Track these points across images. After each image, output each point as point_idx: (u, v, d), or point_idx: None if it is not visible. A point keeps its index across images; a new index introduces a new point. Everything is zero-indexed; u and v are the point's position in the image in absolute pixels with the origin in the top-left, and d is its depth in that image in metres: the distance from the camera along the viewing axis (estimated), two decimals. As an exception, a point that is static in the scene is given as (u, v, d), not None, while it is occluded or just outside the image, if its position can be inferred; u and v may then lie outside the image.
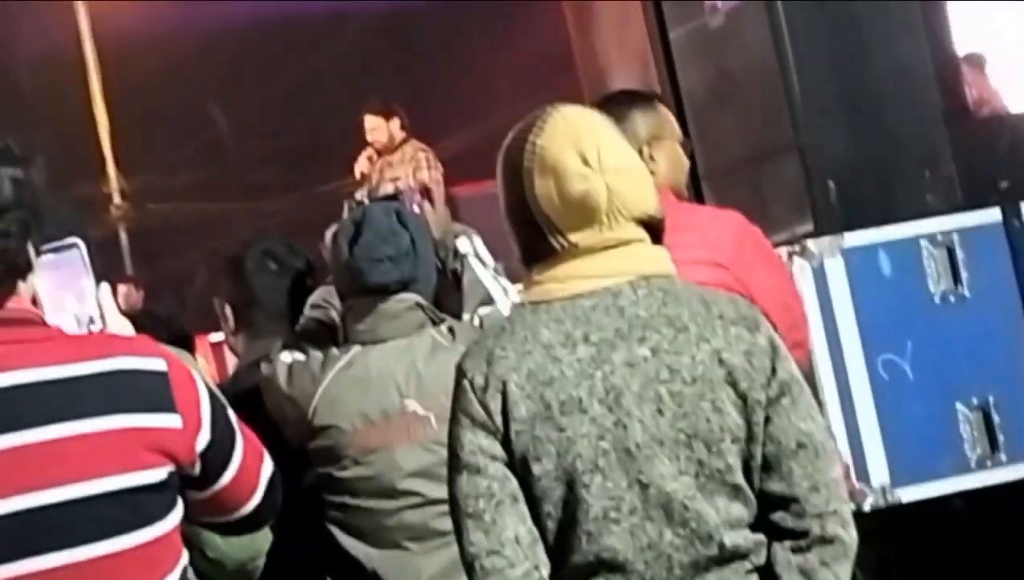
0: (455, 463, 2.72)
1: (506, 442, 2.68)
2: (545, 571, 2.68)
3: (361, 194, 8.86)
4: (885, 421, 5.40)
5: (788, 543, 2.71)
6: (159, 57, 12.69)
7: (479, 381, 2.69)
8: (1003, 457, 5.48)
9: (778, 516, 2.71)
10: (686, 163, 4.29)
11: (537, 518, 2.69)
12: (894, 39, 6.18)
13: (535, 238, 2.75)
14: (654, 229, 2.79)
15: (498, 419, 2.67)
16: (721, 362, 2.67)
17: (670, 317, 2.69)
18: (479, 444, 2.68)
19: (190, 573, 2.59)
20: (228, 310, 4.39)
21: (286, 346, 4.00)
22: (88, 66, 13.27)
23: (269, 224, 11.89)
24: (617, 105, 4.26)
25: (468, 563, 2.68)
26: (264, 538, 3.55)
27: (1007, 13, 10.79)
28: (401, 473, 3.84)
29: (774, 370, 2.70)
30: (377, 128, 10.58)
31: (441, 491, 3.67)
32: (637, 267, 2.74)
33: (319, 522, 3.94)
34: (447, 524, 3.62)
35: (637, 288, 2.72)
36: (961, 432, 5.47)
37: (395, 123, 10.57)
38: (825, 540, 2.70)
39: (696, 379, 2.67)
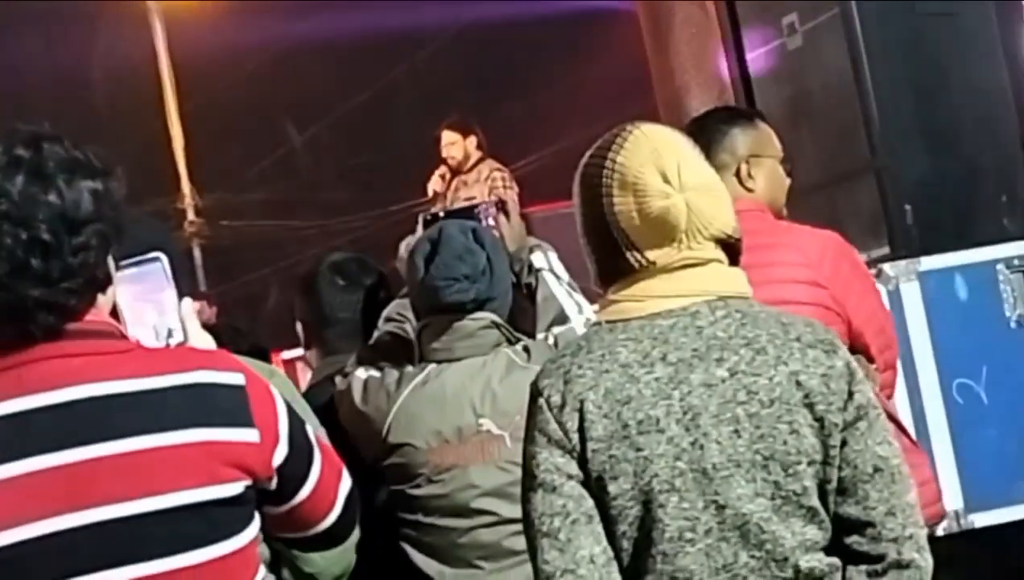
0: (530, 482, 2.71)
1: (582, 461, 2.67)
2: None
3: (437, 208, 8.86)
4: (959, 446, 5.37)
5: (864, 567, 2.69)
6: (234, 74, 12.79)
7: (556, 399, 2.69)
8: (1078, 483, 5.43)
9: (853, 540, 2.70)
10: (786, 182, 4.27)
11: (612, 538, 2.68)
12: (971, 62, 6.15)
13: (612, 255, 2.75)
14: (731, 249, 2.79)
15: (574, 438, 2.67)
16: (799, 384, 2.66)
17: (748, 338, 2.69)
18: (555, 463, 2.68)
19: None
20: (300, 327, 4.42)
21: (361, 361, 4.01)
22: (164, 82, 13.38)
23: (341, 242, 11.97)
24: (717, 121, 4.27)
25: None
26: (352, 552, 3.57)
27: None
28: (475, 492, 3.83)
29: (851, 394, 2.69)
30: (454, 144, 10.49)
31: (515, 511, 3.67)
32: (715, 287, 2.74)
33: (392, 540, 3.94)
34: (520, 543, 3.63)
35: (715, 309, 2.71)
36: (1036, 458, 5.43)
37: (472, 141, 10.50)
38: (901, 565, 2.68)
39: (773, 401, 2.65)
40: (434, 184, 10.66)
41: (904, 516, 2.69)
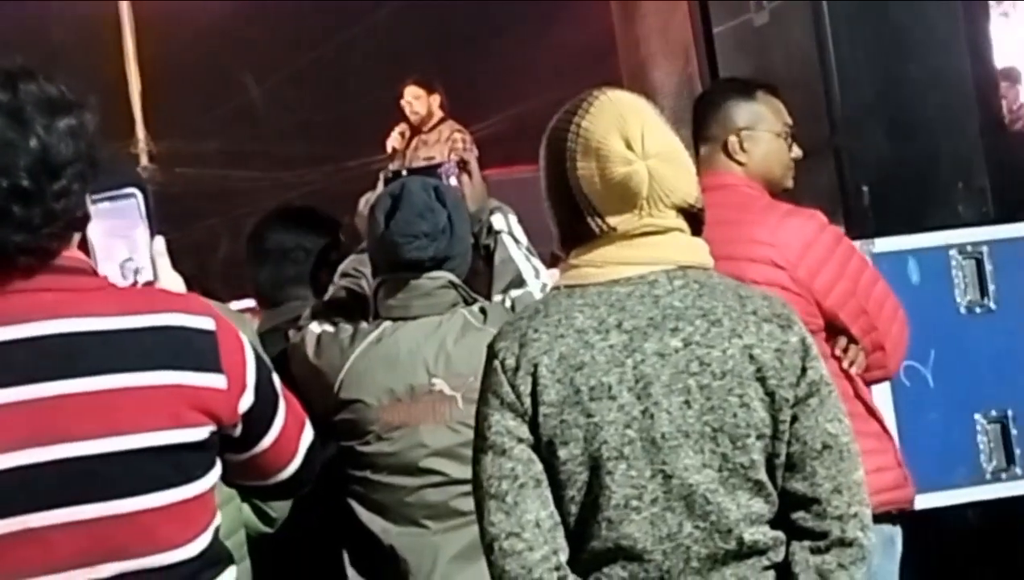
0: (481, 443, 2.72)
1: (533, 425, 2.68)
2: (563, 556, 2.68)
3: (397, 165, 8.81)
4: (903, 428, 5.37)
5: (807, 543, 2.71)
6: (194, 21, 12.69)
7: (510, 362, 2.70)
8: (1018, 470, 5.46)
9: (799, 515, 2.72)
10: (786, 157, 4.27)
11: (559, 502, 2.69)
12: (935, 48, 6.17)
13: (574, 220, 2.75)
14: (694, 218, 2.79)
15: (527, 401, 2.68)
16: (752, 358, 2.68)
17: (704, 309, 2.70)
18: (506, 425, 2.69)
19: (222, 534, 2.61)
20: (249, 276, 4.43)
21: (316, 315, 4.00)
22: (123, 27, 13.28)
23: (295, 195, 11.91)
24: (715, 93, 4.36)
25: (488, 543, 2.68)
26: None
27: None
28: (424, 451, 3.83)
29: (804, 370, 2.71)
30: (419, 99, 10.48)
31: (463, 471, 3.68)
32: (675, 256, 2.75)
33: (338, 495, 3.94)
34: (467, 504, 3.65)
35: (673, 278, 2.72)
36: (978, 443, 5.45)
37: (435, 99, 10.50)
38: (844, 543, 2.70)
39: (726, 373, 2.67)
40: (393, 141, 10.63)
41: (850, 494, 2.71)
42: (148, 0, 13.02)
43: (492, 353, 2.74)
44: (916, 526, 5.35)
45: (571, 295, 2.74)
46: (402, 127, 10.60)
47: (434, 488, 3.83)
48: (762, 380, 2.68)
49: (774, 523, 2.72)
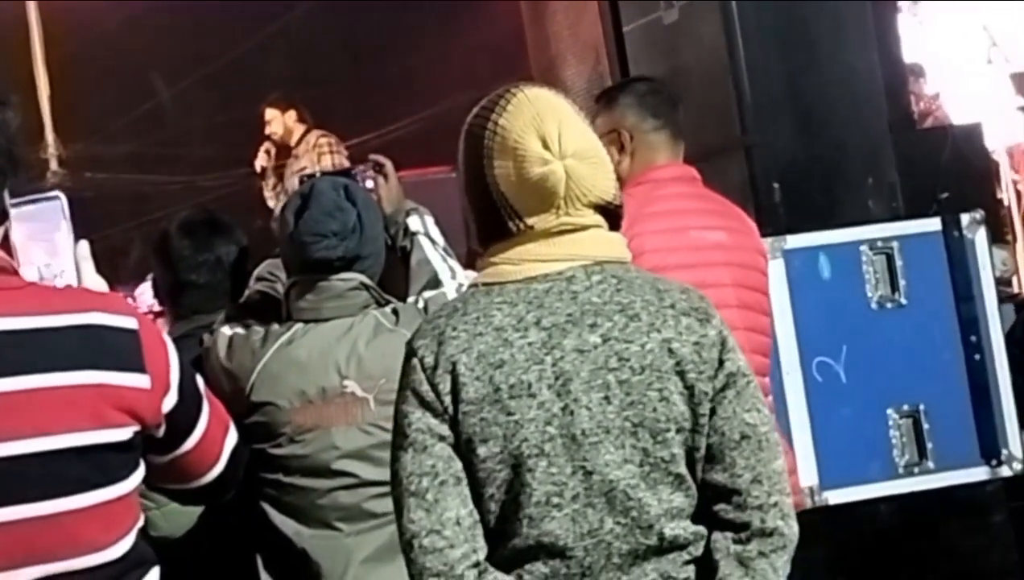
0: (401, 441, 2.71)
1: (453, 423, 2.67)
2: (482, 554, 2.68)
3: (310, 169, 8.83)
4: (816, 423, 5.42)
5: (729, 534, 2.72)
6: (103, 24, 12.58)
7: (429, 360, 2.69)
8: (930, 464, 5.51)
9: (720, 507, 2.73)
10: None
11: (479, 500, 2.69)
12: (844, 45, 6.21)
13: (492, 219, 2.75)
14: (612, 215, 2.79)
15: (447, 400, 2.67)
16: (671, 352, 2.68)
17: (622, 304, 2.70)
18: (426, 423, 2.68)
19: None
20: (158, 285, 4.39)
21: (228, 319, 3.97)
22: (31, 29, 13.14)
23: (207, 199, 11.82)
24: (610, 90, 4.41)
25: (407, 541, 2.67)
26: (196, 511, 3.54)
27: (950, 25, 10.90)
28: (336, 453, 3.81)
29: (721, 362, 2.72)
30: (273, 119, 10.74)
31: (376, 473, 3.68)
32: (592, 252, 2.75)
33: (251, 498, 3.91)
34: (380, 506, 3.65)
35: (591, 273, 2.73)
36: (891, 438, 5.50)
37: (291, 115, 10.75)
38: (765, 532, 2.71)
39: (645, 368, 2.67)
40: (260, 160, 10.89)
41: (770, 483, 2.72)
42: (56, 1, 12.89)
43: (411, 351, 2.74)
44: (830, 521, 5.39)
45: (489, 293, 2.73)
46: (267, 145, 10.85)
47: (346, 490, 3.80)
48: (681, 374, 2.69)
49: (696, 517, 2.73)
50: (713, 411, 2.70)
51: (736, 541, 2.71)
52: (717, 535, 2.73)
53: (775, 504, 2.72)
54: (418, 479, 2.67)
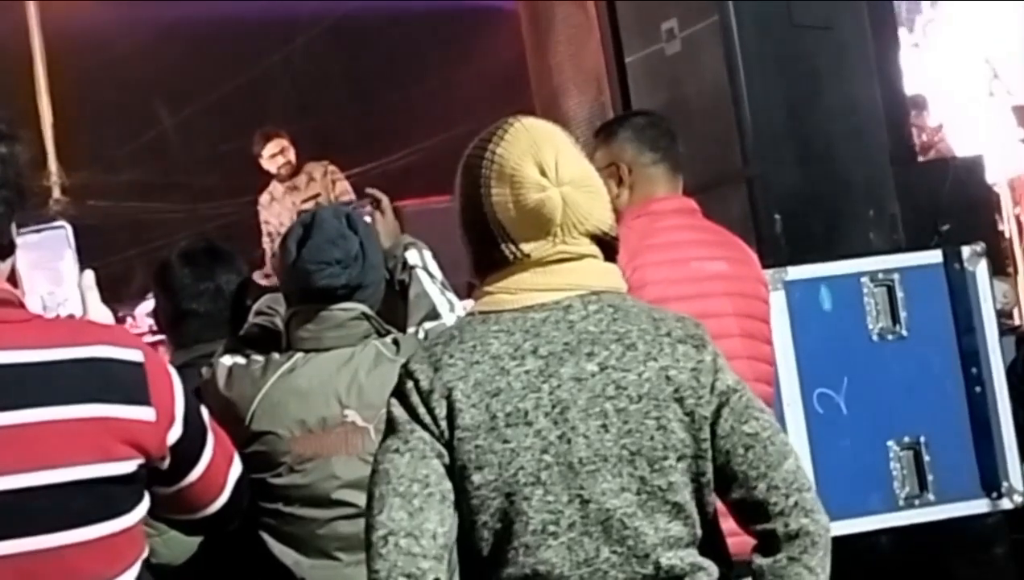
0: (399, 444, 2.68)
1: (448, 447, 2.67)
2: (444, 578, 2.63)
3: (328, 195, 8.73)
4: (817, 455, 5.41)
5: (762, 547, 2.70)
6: (106, 53, 12.60)
7: (425, 385, 2.69)
8: (931, 497, 5.50)
9: (753, 526, 2.71)
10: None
11: (472, 528, 2.68)
12: (846, 76, 6.24)
13: (488, 246, 2.75)
14: (608, 246, 2.80)
15: (443, 424, 2.67)
16: (668, 379, 2.68)
17: (619, 334, 2.70)
18: (424, 437, 2.67)
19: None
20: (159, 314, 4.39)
21: (228, 350, 3.97)
22: (34, 58, 13.16)
23: (209, 227, 11.83)
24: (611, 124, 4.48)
25: (382, 536, 2.61)
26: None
27: (952, 57, 10.93)
28: (336, 483, 3.80)
29: (713, 385, 2.71)
30: (287, 149, 10.35)
31: (375, 504, 3.67)
32: (588, 282, 2.75)
33: (250, 528, 3.90)
34: (381, 538, 3.63)
35: (588, 303, 2.73)
36: (891, 470, 5.49)
37: (289, 146, 10.40)
38: (791, 536, 2.68)
39: (642, 396, 2.67)
40: (265, 203, 10.44)
41: (786, 485, 2.69)
42: (59, 29, 12.91)
43: (406, 373, 2.73)
44: (832, 554, 5.37)
45: (486, 321, 2.73)
46: (271, 188, 10.40)
47: (346, 520, 3.79)
48: (680, 400, 2.68)
49: (694, 546, 2.71)
50: (714, 434, 2.70)
51: (767, 553, 2.69)
52: (755, 559, 2.71)
53: (795, 504, 2.69)
54: (409, 483, 2.64)
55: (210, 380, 3.92)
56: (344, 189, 10.01)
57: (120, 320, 7.23)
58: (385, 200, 4.25)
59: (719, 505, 2.77)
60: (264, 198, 10.52)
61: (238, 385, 3.87)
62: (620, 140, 4.45)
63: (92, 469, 2.41)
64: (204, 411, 2.64)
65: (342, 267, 3.84)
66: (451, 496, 2.66)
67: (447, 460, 2.67)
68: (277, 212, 10.28)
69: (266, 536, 3.89)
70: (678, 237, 4.35)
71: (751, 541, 3.96)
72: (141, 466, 2.48)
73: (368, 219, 4.16)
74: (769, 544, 2.70)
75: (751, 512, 2.71)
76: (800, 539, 2.68)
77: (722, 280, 4.33)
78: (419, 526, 2.62)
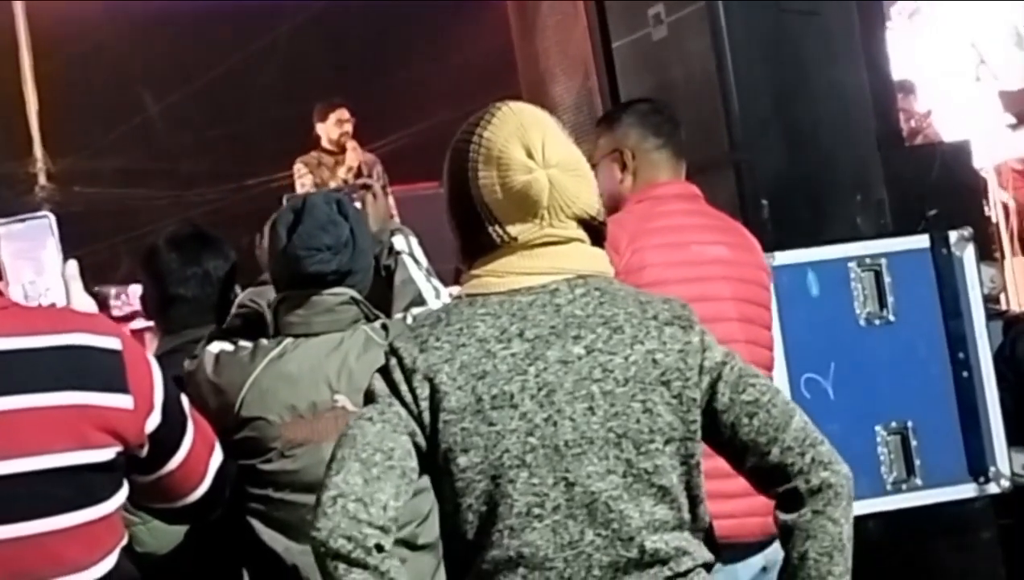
0: (372, 414, 2.66)
1: (432, 432, 2.66)
2: (389, 547, 2.58)
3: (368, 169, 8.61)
4: (804, 440, 5.41)
5: (784, 504, 2.70)
6: (92, 39, 12.57)
7: (408, 363, 2.69)
8: (918, 482, 5.50)
9: (774, 490, 2.71)
10: (611, 180, 4.39)
11: (457, 511, 2.68)
12: (832, 61, 6.23)
13: (475, 230, 2.76)
14: (595, 231, 2.80)
15: (423, 405, 2.66)
16: (655, 363, 2.69)
17: (606, 317, 2.71)
18: (400, 413, 2.66)
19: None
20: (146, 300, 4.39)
21: (213, 337, 3.96)
22: (20, 45, 13.13)
23: (195, 213, 11.81)
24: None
25: (332, 496, 2.57)
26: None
27: (938, 42, 10.94)
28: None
29: (702, 365, 2.72)
30: (350, 120, 10.29)
31: (368, 489, 3.66)
32: (575, 266, 2.75)
33: (238, 514, 3.90)
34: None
35: (574, 286, 2.73)
36: (879, 455, 5.49)
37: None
38: (813, 491, 2.67)
39: (628, 380, 2.67)
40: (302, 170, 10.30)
41: (799, 444, 2.69)
42: (45, 15, 12.88)
43: (391, 351, 2.73)
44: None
45: (472, 304, 2.74)
46: (309, 159, 10.28)
47: (337, 505, 3.78)
48: (666, 383, 2.69)
49: (679, 529, 2.70)
50: (714, 410, 2.71)
51: (790, 511, 2.68)
52: (778, 515, 2.71)
53: (812, 460, 2.68)
54: (373, 451, 2.61)
55: (195, 370, 3.90)
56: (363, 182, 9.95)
57: (113, 297, 7.21)
58: (376, 184, 4.26)
59: (706, 489, 2.78)
60: (311, 160, 10.32)
61: (227, 371, 3.86)
62: (624, 126, 4.47)
63: (70, 456, 2.41)
64: (185, 400, 2.64)
65: (332, 253, 3.84)
66: (413, 476, 2.64)
67: (419, 440, 2.66)
68: (326, 177, 10.19)
69: (255, 522, 3.88)
70: (679, 221, 4.36)
71: (744, 523, 3.97)
72: (119, 454, 2.48)
73: (358, 204, 4.17)
74: (792, 500, 2.69)
75: (769, 477, 2.71)
76: (823, 492, 2.67)
77: (722, 264, 4.34)
78: (371, 494, 2.57)
